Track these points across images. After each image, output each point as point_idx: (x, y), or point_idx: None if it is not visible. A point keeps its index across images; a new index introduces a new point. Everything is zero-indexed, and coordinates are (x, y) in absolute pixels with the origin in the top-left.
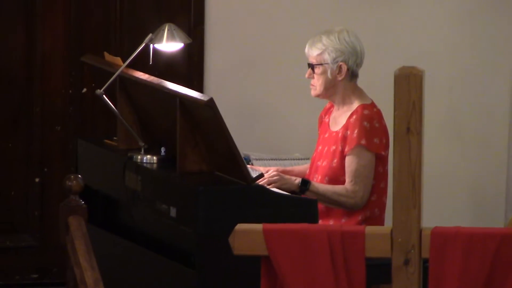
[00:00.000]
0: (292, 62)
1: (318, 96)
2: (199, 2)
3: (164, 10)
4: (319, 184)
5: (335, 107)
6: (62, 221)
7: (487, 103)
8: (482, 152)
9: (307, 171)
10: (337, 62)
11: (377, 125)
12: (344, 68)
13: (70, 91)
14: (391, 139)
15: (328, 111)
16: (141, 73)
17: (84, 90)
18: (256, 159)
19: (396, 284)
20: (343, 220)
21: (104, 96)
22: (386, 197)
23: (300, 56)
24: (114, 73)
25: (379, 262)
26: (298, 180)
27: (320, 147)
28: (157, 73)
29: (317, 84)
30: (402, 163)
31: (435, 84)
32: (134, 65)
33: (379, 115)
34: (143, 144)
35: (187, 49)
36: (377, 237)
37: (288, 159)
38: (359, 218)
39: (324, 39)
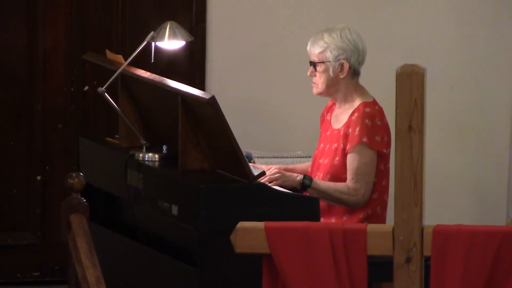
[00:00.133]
0: (294, 60)
1: (320, 94)
2: (201, 0)
3: (165, 8)
4: (321, 181)
5: (337, 105)
6: (64, 219)
7: (489, 101)
8: (484, 150)
9: (309, 169)
10: (339, 60)
11: (378, 123)
12: (346, 66)
13: (72, 89)
14: (392, 137)
15: (330, 109)
16: (143, 71)
17: (86, 88)
18: (258, 157)
19: (397, 282)
20: (344, 218)
21: (105, 94)
22: (387, 195)
23: (302, 54)
24: (116, 71)
25: (381, 260)
26: (299, 177)
27: (321, 145)
28: (159, 71)
29: (319, 82)
30: (403, 161)
31: (436, 82)
32: (136, 63)
33: (380, 113)
34: (144, 142)
35: (189, 47)
36: (379, 235)
37: (290, 157)
38: (361, 216)
39: (326, 37)
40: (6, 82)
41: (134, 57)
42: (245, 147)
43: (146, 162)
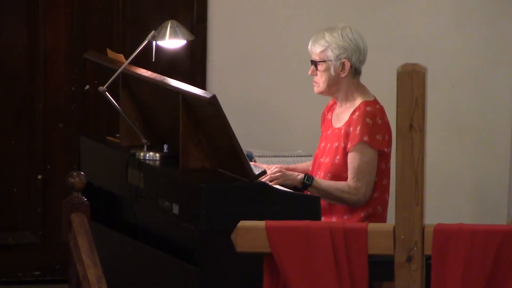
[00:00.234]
0: (295, 59)
1: (321, 93)
2: None
3: (166, 7)
4: (322, 180)
5: (338, 104)
6: (65, 218)
7: (490, 100)
8: (484, 149)
9: (310, 168)
10: (340, 59)
11: (379, 121)
12: (347, 65)
13: (73, 88)
14: (393, 136)
15: (331, 108)
16: (144, 70)
17: (87, 87)
18: (259, 156)
19: (398, 281)
20: (345, 217)
21: (106, 93)
22: (388, 194)
23: (303, 53)
24: (116, 70)
25: (382, 259)
26: (300, 176)
27: (322, 144)
28: (159, 70)
29: (320, 81)
30: (405, 160)
31: (437, 82)
32: (137, 62)
33: (381, 111)
34: (145, 141)
35: (190, 46)
36: (380, 234)
37: (291, 156)
38: (362, 215)
39: (327, 36)
40: (7, 82)
41: (135, 56)
42: (246, 146)
43: (147, 161)
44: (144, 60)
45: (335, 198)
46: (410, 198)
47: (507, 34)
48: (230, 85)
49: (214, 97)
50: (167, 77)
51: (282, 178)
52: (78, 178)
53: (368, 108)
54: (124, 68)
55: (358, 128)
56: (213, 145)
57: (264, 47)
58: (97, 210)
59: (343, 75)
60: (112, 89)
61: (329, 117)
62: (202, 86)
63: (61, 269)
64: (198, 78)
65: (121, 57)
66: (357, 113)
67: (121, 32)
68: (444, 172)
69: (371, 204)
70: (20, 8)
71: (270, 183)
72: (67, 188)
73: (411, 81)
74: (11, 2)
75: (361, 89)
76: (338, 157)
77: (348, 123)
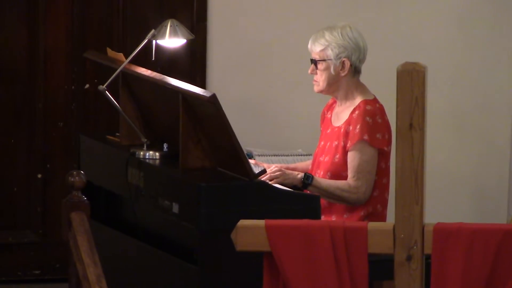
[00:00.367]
0: (295, 58)
1: (321, 92)
2: None
3: (166, 6)
4: (321, 179)
5: (338, 103)
6: (65, 217)
7: (489, 98)
8: (484, 148)
9: (310, 167)
10: (340, 58)
11: (379, 120)
12: (347, 64)
13: (73, 87)
14: (393, 135)
15: (330, 107)
16: (144, 69)
17: (87, 86)
18: (259, 155)
19: (398, 280)
20: (345, 216)
21: (106, 92)
22: (388, 193)
23: (303, 52)
24: (116, 69)
25: (382, 258)
26: (300, 175)
27: (322, 143)
28: (159, 69)
29: (320, 80)
30: (404, 159)
31: (437, 81)
32: (137, 61)
33: (381, 110)
34: (145, 140)
35: (189, 45)
36: (380, 233)
37: (291, 155)
38: (361, 214)
39: (327, 35)
40: (7, 81)
41: (135, 55)
42: (246, 145)
43: (147, 160)
44: (144, 59)
45: (335, 197)
46: (410, 197)
47: (507, 34)
48: (230, 84)
49: (214, 96)
50: (167, 76)
51: (282, 177)
52: (78, 177)
53: (368, 107)
54: (124, 67)
55: (358, 127)
56: (213, 144)
57: (264, 46)
58: (97, 209)
59: (343, 74)
60: (112, 88)
61: (329, 116)
62: (202, 85)
63: (61, 268)
64: (198, 77)
65: (121, 56)
66: (357, 112)
67: (121, 31)
68: (444, 171)
69: (371, 203)
70: (20, 7)
71: (270, 182)
72: (67, 187)
73: (411, 80)
74: (11, 1)
75: (361, 88)
76: (337, 156)
77: (348, 122)
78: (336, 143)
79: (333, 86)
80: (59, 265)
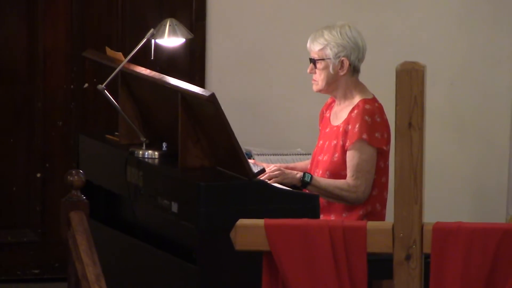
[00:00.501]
0: (294, 57)
1: (320, 91)
2: None
3: (165, 5)
4: (321, 178)
5: (337, 102)
6: (64, 216)
7: (489, 98)
8: (483, 147)
9: (309, 166)
10: (339, 57)
11: (378, 119)
12: (346, 63)
13: (72, 86)
14: (392, 134)
15: (329, 106)
16: (143, 68)
17: (86, 85)
18: (258, 154)
19: (397, 279)
20: (344, 215)
21: (105, 91)
22: (387, 192)
23: (302, 51)
24: (115, 68)
25: (381, 257)
26: (299, 174)
27: (321, 142)
28: (158, 68)
29: (319, 79)
30: (403, 158)
31: (436, 80)
32: (136, 60)
33: (380, 109)
34: (144, 139)
35: (188, 44)
36: (379, 232)
37: (290, 154)
38: (360, 213)
39: (326, 34)
40: (6, 80)
41: (134, 54)
42: (244, 145)
43: (146, 160)
44: (143, 58)
45: (334, 196)
46: (409, 196)
47: (507, 33)
48: (229, 83)
49: (213, 95)
50: (166, 75)
51: (281, 176)
52: (77, 176)
53: (367, 106)
54: (123, 66)
55: (357, 126)
56: (212, 144)
57: (263, 45)
58: (96, 208)
59: (341, 73)
60: (111, 87)
61: (328, 115)
62: (201, 84)
63: (60, 267)
64: (197, 76)
65: (120, 55)
66: (355, 111)
67: (120, 31)
68: (443, 170)
69: (370, 202)
70: (20, 7)
71: (269, 182)
72: (66, 186)
73: (410, 79)
74: (11, 1)
75: (360, 87)
76: (336, 155)
77: (347, 121)
78: (335, 142)
79: (332, 85)
80: (58, 264)
